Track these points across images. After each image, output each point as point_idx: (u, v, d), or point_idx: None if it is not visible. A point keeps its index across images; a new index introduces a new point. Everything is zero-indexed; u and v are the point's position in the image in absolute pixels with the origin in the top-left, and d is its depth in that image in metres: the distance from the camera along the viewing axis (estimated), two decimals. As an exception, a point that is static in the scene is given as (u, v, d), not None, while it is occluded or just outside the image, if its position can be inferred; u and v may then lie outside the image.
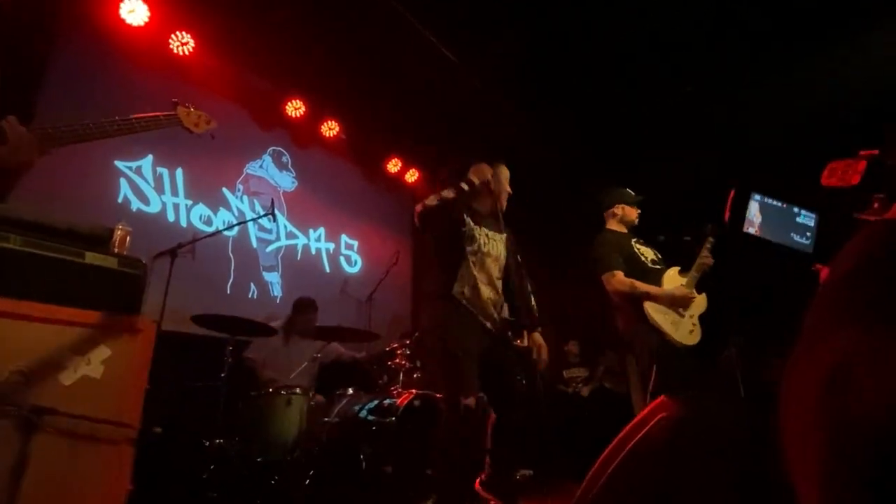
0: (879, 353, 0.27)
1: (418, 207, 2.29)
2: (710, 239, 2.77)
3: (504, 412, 2.29)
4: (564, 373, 5.36)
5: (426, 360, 3.30)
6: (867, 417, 0.26)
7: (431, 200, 2.26)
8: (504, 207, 2.51)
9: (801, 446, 0.32)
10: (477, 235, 2.39)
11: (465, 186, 2.28)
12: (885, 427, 0.25)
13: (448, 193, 2.25)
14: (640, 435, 0.74)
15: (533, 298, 2.49)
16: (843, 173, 1.21)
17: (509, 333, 2.43)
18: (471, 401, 2.13)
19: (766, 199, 1.53)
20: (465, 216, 2.38)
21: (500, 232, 2.49)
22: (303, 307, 3.65)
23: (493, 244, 2.45)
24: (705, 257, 2.71)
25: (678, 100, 4.43)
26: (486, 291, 2.34)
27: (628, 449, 0.73)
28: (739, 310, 3.51)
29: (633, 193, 3.02)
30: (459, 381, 2.17)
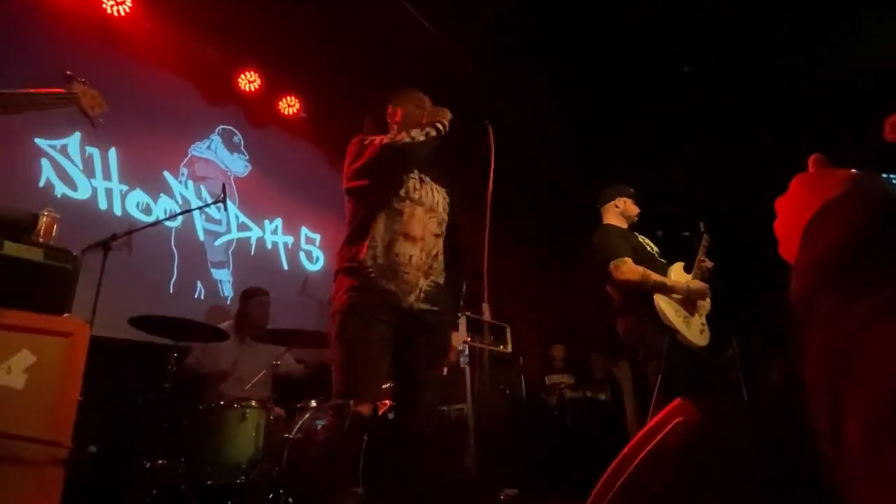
0: None
1: (384, 140, 1.98)
2: (707, 238, 2.87)
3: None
4: (546, 379, 5.45)
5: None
6: None
7: (417, 134, 1.92)
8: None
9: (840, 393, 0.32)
10: (406, 178, 2.06)
11: (441, 128, 1.98)
12: None
13: (430, 131, 1.95)
14: (654, 441, 0.75)
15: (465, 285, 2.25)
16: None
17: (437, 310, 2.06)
18: (364, 408, 1.88)
19: None
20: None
21: (443, 185, 2.22)
22: (251, 292, 3.66)
23: (429, 193, 2.14)
24: (702, 260, 2.81)
25: (674, 82, 4.53)
26: (408, 249, 1.98)
27: (642, 457, 0.75)
28: (739, 310, 3.67)
29: (631, 189, 3.10)
30: (355, 382, 1.88)
